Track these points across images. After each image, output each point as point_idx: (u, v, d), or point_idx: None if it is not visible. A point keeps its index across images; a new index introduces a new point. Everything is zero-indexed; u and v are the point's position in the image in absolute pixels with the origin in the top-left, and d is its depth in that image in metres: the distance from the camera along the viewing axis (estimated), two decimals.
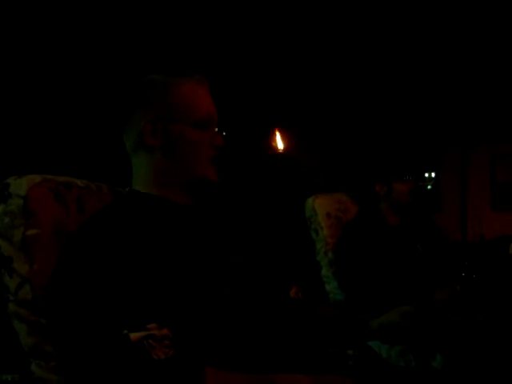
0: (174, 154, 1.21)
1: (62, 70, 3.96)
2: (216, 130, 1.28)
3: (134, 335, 0.93)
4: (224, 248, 1.23)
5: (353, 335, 1.35)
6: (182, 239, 1.15)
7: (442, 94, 5.20)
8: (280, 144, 3.85)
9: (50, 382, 1.11)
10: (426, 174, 2.39)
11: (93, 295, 0.99)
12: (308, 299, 1.38)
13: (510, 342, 1.64)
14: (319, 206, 2.26)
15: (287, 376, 1.03)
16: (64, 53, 3.89)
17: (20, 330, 1.12)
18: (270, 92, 4.87)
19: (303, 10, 3.91)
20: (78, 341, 1.00)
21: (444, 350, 1.76)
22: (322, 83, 4.95)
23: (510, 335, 1.68)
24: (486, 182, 6.22)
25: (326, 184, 5.42)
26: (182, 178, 1.23)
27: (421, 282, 2.10)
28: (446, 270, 2.19)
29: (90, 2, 3.51)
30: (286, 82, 4.86)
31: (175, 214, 1.21)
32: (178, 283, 1.05)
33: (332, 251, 2.21)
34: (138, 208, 1.18)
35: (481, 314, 1.81)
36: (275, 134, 3.86)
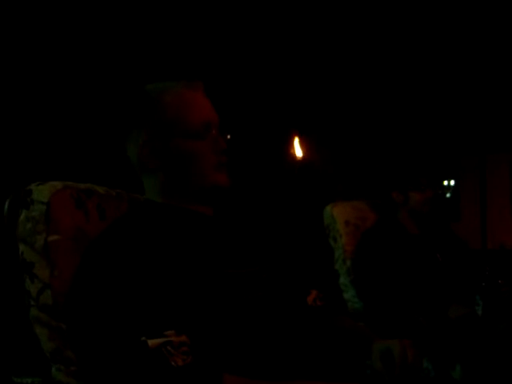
0: (177, 171, 1.20)
1: (82, 77, 4.00)
2: (216, 134, 1.23)
3: (152, 342, 0.94)
4: (243, 256, 1.23)
5: (356, 353, 1.30)
6: (201, 248, 1.15)
7: (462, 101, 5.16)
8: (299, 151, 3.85)
9: None
10: (445, 182, 2.38)
11: (113, 302, 1.00)
12: (326, 306, 1.37)
13: None
14: (338, 213, 2.26)
15: (308, 383, 1.02)
16: (70, 55, 3.90)
17: (41, 334, 1.13)
18: (289, 98, 4.87)
19: (324, 15, 3.91)
20: (98, 347, 1.01)
21: (463, 360, 1.74)
22: (342, 90, 4.94)
23: None
24: (506, 189, 6.15)
25: (344, 191, 5.40)
26: (192, 190, 1.21)
27: (439, 292, 2.08)
28: (465, 281, 2.17)
29: (90, 7, 3.55)
30: (305, 89, 4.86)
31: (193, 222, 1.21)
32: (196, 291, 1.06)
33: (350, 259, 2.20)
34: (157, 217, 1.18)
35: (503, 323, 1.79)
36: (294, 141, 3.86)
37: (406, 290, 2.04)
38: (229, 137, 1.27)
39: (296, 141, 3.82)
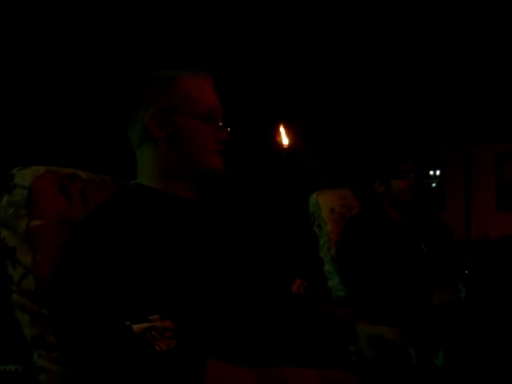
0: (179, 146, 1.22)
1: (70, 63, 3.96)
2: (220, 124, 1.28)
3: (136, 326, 0.94)
4: (227, 242, 1.23)
5: (338, 335, 1.33)
6: (186, 233, 1.15)
7: (448, 92, 5.19)
8: (285, 139, 3.85)
9: (51, 371, 1.11)
10: (431, 172, 2.39)
11: (96, 287, 0.99)
12: (310, 294, 1.38)
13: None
14: (323, 201, 2.26)
15: (294, 369, 1.03)
16: (70, 46, 3.89)
17: (23, 320, 1.13)
18: (275, 87, 4.87)
19: (309, 4, 3.90)
20: (81, 332, 1.00)
21: (446, 347, 1.76)
22: (327, 79, 4.94)
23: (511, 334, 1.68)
24: (492, 180, 6.20)
25: (329, 180, 5.42)
26: (188, 170, 1.23)
27: (422, 280, 2.10)
28: (449, 269, 2.18)
29: None
30: (291, 78, 4.85)
31: (179, 208, 1.21)
32: (180, 276, 1.06)
33: (335, 247, 2.21)
34: (143, 202, 1.18)
35: (483, 313, 1.81)
36: (280, 130, 3.86)
37: (390, 278, 2.05)
38: (229, 129, 1.28)
39: (282, 129, 3.82)
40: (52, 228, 1.16)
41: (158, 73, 1.27)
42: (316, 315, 1.35)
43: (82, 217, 1.15)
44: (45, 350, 1.11)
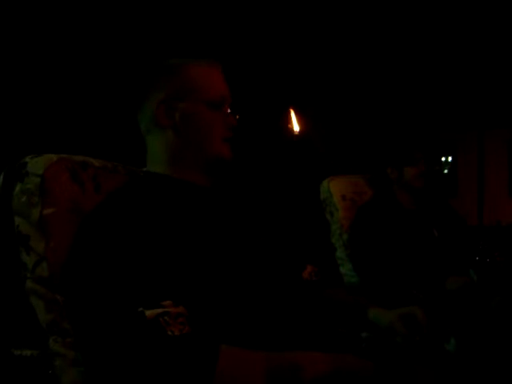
0: (187, 133, 1.23)
1: (81, 51, 3.97)
2: (229, 111, 1.28)
3: (149, 312, 0.94)
4: (239, 230, 1.24)
5: (350, 321, 1.35)
6: (199, 219, 1.16)
7: (461, 78, 5.14)
8: (296, 126, 3.83)
9: (66, 356, 1.12)
10: (443, 158, 2.39)
11: (109, 273, 1.00)
12: (321, 280, 1.38)
13: None
14: (334, 187, 2.26)
15: (306, 354, 1.03)
16: (80, 35, 3.90)
17: (38, 306, 1.14)
18: (285, 73, 4.85)
19: None
20: (94, 318, 1.01)
21: (458, 333, 1.76)
22: (338, 65, 4.91)
23: None
24: (504, 166, 6.15)
25: (341, 166, 5.40)
26: (196, 158, 1.23)
27: (434, 267, 2.10)
28: (461, 255, 2.18)
29: None
30: (301, 63, 4.83)
31: (191, 194, 1.22)
32: (193, 263, 1.06)
33: (347, 233, 2.21)
34: (155, 188, 1.19)
35: (495, 299, 1.80)
36: (291, 116, 3.84)
37: (401, 264, 2.05)
38: (237, 117, 1.28)
39: (293, 115, 3.80)
40: (65, 215, 1.16)
41: (167, 61, 1.28)
42: (327, 300, 1.36)
43: (95, 204, 1.16)
44: (60, 335, 1.13)
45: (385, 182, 2.30)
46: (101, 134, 3.97)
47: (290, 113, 3.85)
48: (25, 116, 3.79)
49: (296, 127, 3.83)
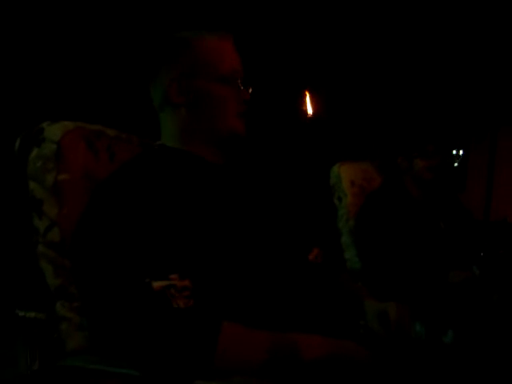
0: (199, 110, 1.22)
1: (96, 21, 3.95)
2: (242, 85, 1.27)
3: (156, 284, 0.96)
4: (249, 207, 1.24)
5: (350, 312, 1.35)
6: (208, 195, 1.17)
7: (477, 71, 5.08)
8: (309, 108, 3.82)
9: (72, 321, 1.14)
10: (454, 152, 2.38)
11: (119, 242, 1.01)
12: (326, 263, 1.39)
13: None
14: (344, 172, 2.26)
15: (307, 336, 1.04)
16: (94, 6, 3.87)
17: (47, 270, 1.16)
18: (301, 53, 4.80)
19: None
20: (101, 285, 1.03)
21: (456, 326, 1.77)
22: (355, 51, 4.86)
23: None
24: None
25: (352, 151, 5.37)
26: (210, 134, 1.24)
27: (439, 259, 2.10)
28: (465, 250, 2.18)
29: None
30: (318, 47, 4.78)
31: (203, 170, 1.22)
32: (202, 236, 1.08)
33: (353, 219, 2.22)
34: (168, 161, 1.20)
35: (496, 294, 1.81)
36: (305, 98, 3.82)
37: (406, 254, 2.06)
38: (251, 90, 1.27)
39: (307, 98, 3.79)
40: (78, 183, 1.18)
41: (178, 35, 1.27)
42: (331, 284, 1.37)
43: (108, 173, 1.17)
44: (67, 300, 1.15)
45: (395, 170, 2.30)
46: (117, 106, 3.96)
47: (304, 95, 3.83)
48: (42, 84, 3.79)
49: (310, 110, 3.82)
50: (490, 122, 5.87)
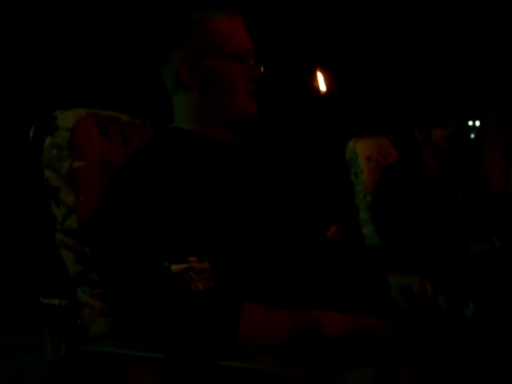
0: (211, 91, 1.22)
1: (105, 7, 3.94)
2: (252, 63, 1.26)
3: (174, 267, 0.96)
4: (266, 187, 1.24)
5: (371, 287, 1.35)
6: (225, 177, 1.17)
7: (493, 42, 4.98)
8: (322, 86, 3.78)
9: (94, 307, 1.16)
10: (470, 122, 2.36)
11: (136, 227, 1.02)
12: (344, 241, 1.39)
13: None
14: (360, 148, 2.24)
15: (328, 313, 1.04)
16: None
17: (67, 258, 1.17)
18: (313, 30, 4.75)
19: None
20: (121, 271, 1.04)
21: (477, 299, 1.76)
22: (367, 25, 4.79)
23: None
24: None
25: (367, 127, 5.33)
26: (222, 115, 1.23)
27: (458, 231, 2.09)
28: (485, 222, 2.17)
29: None
30: (330, 24, 4.72)
31: (218, 151, 1.22)
32: (219, 220, 1.07)
33: (370, 195, 2.21)
34: (182, 144, 1.19)
35: None
36: (317, 75, 3.79)
37: (425, 227, 2.05)
38: (262, 68, 1.26)
39: (320, 75, 3.75)
40: (94, 169, 1.18)
41: (189, 15, 1.26)
42: (350, 261, 1.36)
43: (123, 158, 1.17)
44: (88, 286, 1.16)
45: (411, 144, 2.28)
46: (128, 90, 3.96)
47: (316, 72, 3.79)
48: (54, 73, 3.79)
49: (322, 86, 3.78)
50: (506, 93, 5.77)
